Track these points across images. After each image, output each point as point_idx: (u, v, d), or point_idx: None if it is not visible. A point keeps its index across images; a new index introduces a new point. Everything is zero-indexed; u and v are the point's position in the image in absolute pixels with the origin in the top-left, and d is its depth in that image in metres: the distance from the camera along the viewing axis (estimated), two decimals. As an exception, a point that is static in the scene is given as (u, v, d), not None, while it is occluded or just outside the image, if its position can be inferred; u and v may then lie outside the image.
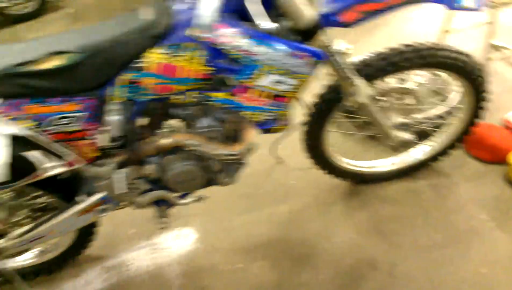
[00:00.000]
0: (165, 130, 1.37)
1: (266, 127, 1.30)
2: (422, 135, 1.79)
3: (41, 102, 1.12)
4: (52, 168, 1.23)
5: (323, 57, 1.12)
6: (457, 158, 1.93)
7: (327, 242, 1.74)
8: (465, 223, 1.71)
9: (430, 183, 1.88)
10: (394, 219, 1.77)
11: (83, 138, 1.22)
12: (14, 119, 1.12)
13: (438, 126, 1.79)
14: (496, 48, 2.43)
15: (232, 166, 1.49)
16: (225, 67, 1.15)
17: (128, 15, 1.20)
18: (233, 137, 1.42)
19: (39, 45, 1.13)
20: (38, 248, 1.76)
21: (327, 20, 1.19)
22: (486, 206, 1.75)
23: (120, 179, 1.33)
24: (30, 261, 1.76)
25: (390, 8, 1.20)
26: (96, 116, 1.19)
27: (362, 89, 1.36)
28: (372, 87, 1.42)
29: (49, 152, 1.20)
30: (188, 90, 1.19)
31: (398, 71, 1.41)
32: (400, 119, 1.57)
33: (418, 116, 1.71)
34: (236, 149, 1.37)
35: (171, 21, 1.13)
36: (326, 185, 1.96)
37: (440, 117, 1.82)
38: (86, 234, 1.72)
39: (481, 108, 1.61)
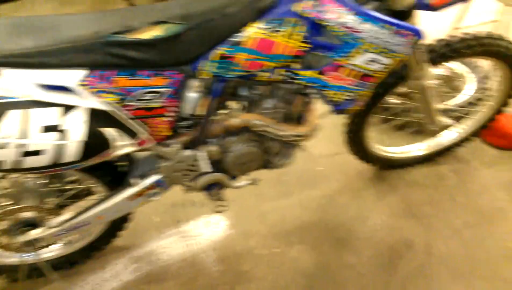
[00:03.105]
0: (229, 110, 1.33)
1: (342, 108, 1.30)
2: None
3: (130, 75, 1.05)
4: (123, 146, 1.15)
5: (423, 36, 1.14)
6: (473, 145, 2.04)
7: (362, 225, 1.78)
8: (490, 205, 1.81)
9: (452, 169, 1.98)
10: (424, 202, 1.84)
11: (161, 115, 1.15)
12: (98, 92, 1.04)
13: (467, 113, 1.89)
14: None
15: (289, 148, 1.48)
16: (323, 44, 1.13)
17: None
18: (296, 118, 1.41)
19: (137, 13, 1.06)
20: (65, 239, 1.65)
21: (418, 3, 1.22)
22: (507, 189, 1.87)
23: (203, 158, 1.28)
24: (54, 253, 1.64)
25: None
26: (178, 93, 1.14)
27: (429, 74, 1.40)
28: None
29: (124, 129, 1.12)
30: (277, 67, 1.16)
31: (458, 58, 1.46)
32: (440, 105, 1.63)
33: (453, 102, 1.79)
34: (302, 130, 1.37)
35: None
36: (353, 171, 2.00)
37: (469, 104, 1.92)
38: (118, 222, 1.63)
39: (512, 97, 1.72)
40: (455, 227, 1.74)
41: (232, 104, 1.37)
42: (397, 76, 1.47)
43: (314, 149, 2.12)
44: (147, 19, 1.04)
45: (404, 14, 1.18)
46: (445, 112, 1.63)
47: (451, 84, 1.71)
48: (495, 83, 1.73)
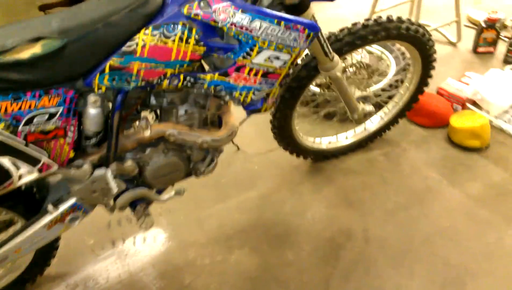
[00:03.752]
0: (142, 120, 1.28)
1: (253, 108, 1.28)
2: (376, 106, 1.91)
3: (13, 99, 0.98)
4: (23, 175, 1.08)
5: (318, 29, 1.13)
6: (401, 127, 2.09)
7: (301, 219, 1.77)
8: (421, 184, 1.86)
9: (383, 152, 2.01)
10: (358, 188, 1.86)
11: (60, 137, 1.09)
12: (-20, 121, 0.97)
13: (389, 97, 1.93)
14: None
15: (212, 154, 1.45)
16: (219, 46, 1.10)
17: None
18: (213, 123, 1.38)
19: (12, 31, 0.98)
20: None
21: None
22: (436, 167, 1.92)
23: (109, 178, 1.21)
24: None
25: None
26: (75, 110, 1.08)
27: (338, 64, 1.40)
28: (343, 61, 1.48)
29: (22, 156, 1.05)
30: (178, 73, 1.12)
31: (365, 44, 1.48)
32: (359, 93, 1.65)
33: (373, 88, 1.81)
34: (220, 134, 1.33)
35: None
36: (289, 166, 1.99)
37: (391, 87, 1.96)
38: (47, 249, 1.54)
39: (430, 76, 1.76)
40: (389, 210, 1.77)
41: (145, 114, 1.32)
42: (310, 68, 1.47)
43: (249, 148, 2.10)
44: (23, 36, 0.97)
45: (298, 8, 1.17)
46: (366, 98, 1.65)
47: (371, 69, 1.73)
48: (410, 64, 1.77)
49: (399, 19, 1.50)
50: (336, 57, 1.41)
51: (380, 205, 1.79)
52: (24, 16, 3.45)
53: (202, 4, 1.04)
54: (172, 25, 1.04)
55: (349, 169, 1.96)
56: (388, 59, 2.16)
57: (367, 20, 1.46)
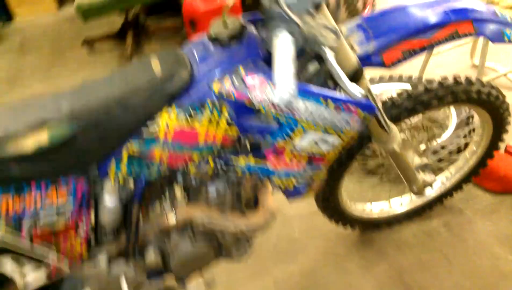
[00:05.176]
0: (166, 204, 1.11)
1: (294, 195, 1.09)
2: (437, 171, 1.67)
3: (17, 192, 0.84)
4: (34, 280, 0.94)
5: (375, 109, 0.93)
6: (465, 191, 1.81)
7: (348, 304, 1.54)
8: (490, 265, 1.57)
9: (444, 222, 1.74)
10: (415, 267, 1.61)
11: (70, 233, 0.94)
12: (-23, 223, 0.83)
13: (452, 161, 1.68)
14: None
15: (248, 237, 1.26)
16: (255, 127, 0.93)
17: (134, 68, 0.95)
18: (248, 203, 1.20)
19: (17, 113, 0.85)
20: None
21: (369, 61, 1.02)
22: (507, 243, 1.63)
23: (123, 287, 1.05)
24: None
25: (435, 44, 1.05)
26: (88, 202, 0.93)
27: (396, 137, 1.19)
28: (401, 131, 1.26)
29: (28, 259, 0.92)
30: (207, 158, 0.95)
31: (428, 110, 1.26)
32: (418, 160, 1.41)
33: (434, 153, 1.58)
34: (256, 221, 1.14)
35: (190, 74, 0.90)
36: (334, 235, 1.76)
37: (456, 151, 1.71)
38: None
39: (502, 140, 1.50)
40: (453, 297, 1.50)
41: (172, 195, 1.16)
42: (361, 136, 1.26)
43: (290, 210, 1.89)
44: (28, 120, 0.83)
45: (351, 78, 0.97)
46: (427, 166, 1.41)
47: (432, 132, 1.51)
48: (476, 126, 1.53)
49: (468, 81, 1.27)
50: (394, 129, 1.20)
51: (440, 289, 1.52)
52: (69, 52, 3.45)
53: (235, 79, 0.87)
54: (199, 105, 0.88)
55: (404, 241, 1.70)
56: (448, 120, 1.91)
57: (430, 82, 1.24)
